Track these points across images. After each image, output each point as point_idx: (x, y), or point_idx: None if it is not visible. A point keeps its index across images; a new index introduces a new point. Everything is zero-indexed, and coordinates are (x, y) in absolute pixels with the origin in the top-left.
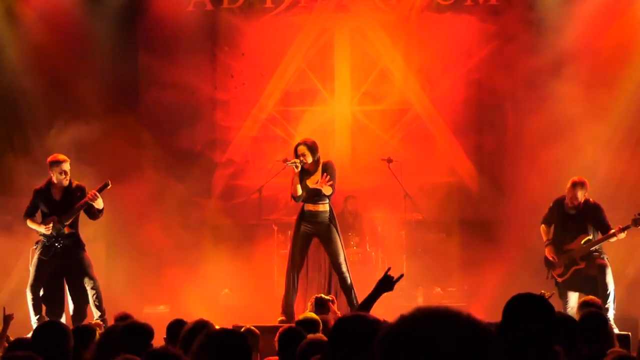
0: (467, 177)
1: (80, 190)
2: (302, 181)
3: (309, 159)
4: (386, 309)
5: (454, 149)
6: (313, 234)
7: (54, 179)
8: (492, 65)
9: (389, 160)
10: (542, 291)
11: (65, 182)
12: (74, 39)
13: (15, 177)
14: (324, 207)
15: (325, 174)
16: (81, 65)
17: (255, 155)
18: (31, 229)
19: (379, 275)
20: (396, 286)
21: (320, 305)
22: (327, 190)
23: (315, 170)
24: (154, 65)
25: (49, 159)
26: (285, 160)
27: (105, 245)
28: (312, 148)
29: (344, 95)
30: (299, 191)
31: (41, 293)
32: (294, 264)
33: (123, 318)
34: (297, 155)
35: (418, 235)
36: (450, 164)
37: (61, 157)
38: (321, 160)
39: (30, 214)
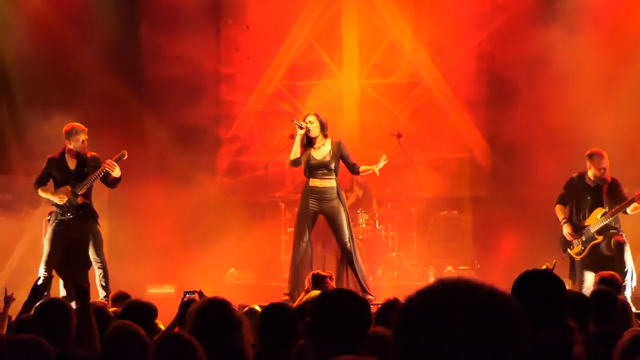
0: (479, 152)
1: (95, 161)
2: (304, 154)
3: (315, 131)
4: (396, 288)
5: (465, 123)
6: (319, 211)
7: (72, 148)
8: (504, 37)
9: (399, 135)
10: (545, 264)
11: (85, 151)
12: (73, 13)
13: (14, 155)
14: (330, 182)
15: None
16: (81, 39)
17: (261, 131)
18: (40, 199)
19: (389, 253)
20: (407, 264)
21: (317, 282)
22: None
23: (322, 146)
24: (157, 39)
25: (65, 128)
26: (299, 126)
27: (107, 222)
28: (322, 121)
29: (352, 68)
30: (297, 154)
31: (53, 271)
32: (299, 242)
33: (120, 297)
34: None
35: (429, 212)
36: (462, 138)
37: (78, 125)
38: (331, 139)
39: (42, 183)
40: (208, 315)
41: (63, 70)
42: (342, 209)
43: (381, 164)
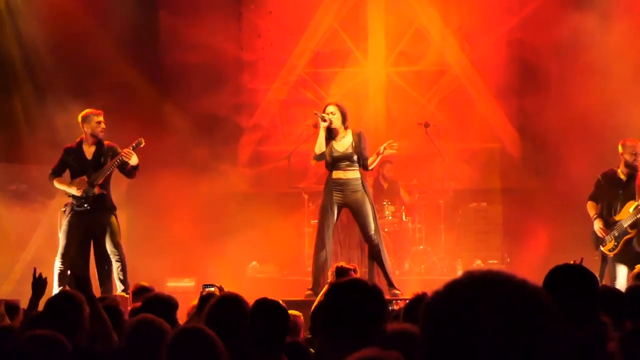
0: (509, 142)
1: (112, 150)
2: (327, 146)
3: (337, 122)
4: (423, 283)
5: (495, 112)
6: (342, 204)
7: (89, 132)
8: (535, 23)
9: (426, 125)
10: (572, 260)
11: (101, 135)
12: None
13: (29, 144)
14: (353, 173)
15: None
16: (97, 26)
17: (283, 120)
18: (56, 189)
19: (416, 246)
20: (434, 258)
21: (341, 275)
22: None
23: (344, 137)
24: (176, 25)
25: (82, 113)
26: (323, 118)
27: (125, 215)
28: (342, 111)
29: (378, 55)
30: (323, 147)
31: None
32: (323, 235)
33: (141, 291)
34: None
35: (457, 204)
36: (491, 128)
37: (95, 110)
38: (352, 130)
39: (57, 173)
40: (221, 311)
41: (78, 58)
42: (367, 200)
43: (382, 148)
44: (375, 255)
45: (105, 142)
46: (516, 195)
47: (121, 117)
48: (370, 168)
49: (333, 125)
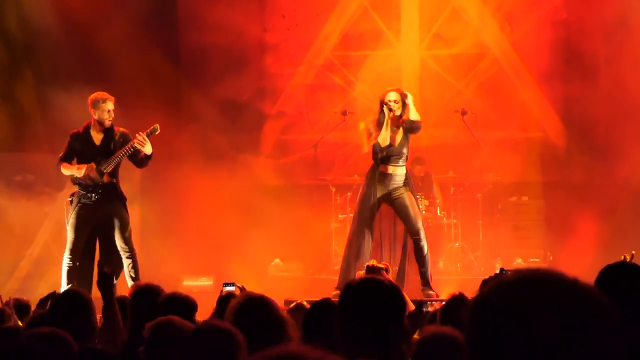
0: (552, 131)
1: (124, 137)
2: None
3: (398, 112)
4: (459, 283)
5: (537, 99)
6: (384, 200)
7: (97, 118)
8: (581, 2)
9: (463, 112)
10: (624, 255)
11: (109, 123)
12: None
13: (38, 132)
14: (402, 169)
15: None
16: (111, 7)
17: (309, 106)
18: (65, 176)
19: (451, 243)
20: (471, 256)
21: (372, 274)
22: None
23: (398, 128)
24: (194, 4)
25: (92, 96)
26: (390, 108)
27: (138, 207)
28: (404, 100)
29: (411, 37)
30: (387, 140)
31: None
32: (359, 231)
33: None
34: (383, 102)
35: (496, 198)
36: (533, 116)
37: (105, 94)
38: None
39: (66, 160)
40: (248, 314)
41: (91, 42)
42: (412, 195)
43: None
44: (418, 252)
45: (116, 128)
46: (560, 189)
47: (136, 103)
48: (419, 123)
49: (393, 115)
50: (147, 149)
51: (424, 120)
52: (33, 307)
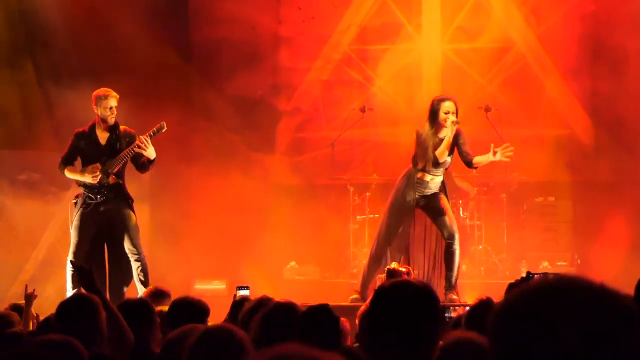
0: (580, 128)
1: (129, 136)
2: (431, 145)
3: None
4: (483, 287)
5: (564, 95)
6: (418, 205)
7: (99, 115)
8: None
9: (487, 109)
10: None
11: (111, 120)
12: None
13: (44, 129)
14: (440, 177)
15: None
16: (121, 0)
17: (326, 103)
18: (70, 179)
19: (474, 246)
20: (495, 259)
21: (393, 278)
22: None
23: (445, 136)
24: None
25: (95, 93)
26: (455, 123)
27: (148, 208)
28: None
29: (432, 31)
30: (445, 157)
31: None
32: (387, 235)
33: (156, 295)
34: (437, 114)
35: (521, 198)
36: (560, 113)
37: (108, 90)
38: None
39: (68, 162)
40: (275, 321)
41: (99, 37)
42: (446, 199)
43: (498, 153)
44: (449, 256)
45: (122, 127)
46: (588, 188)
47: (145, 100)
48: (476, 167)
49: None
50: (150, 152)
51: None
52: (36, 312)
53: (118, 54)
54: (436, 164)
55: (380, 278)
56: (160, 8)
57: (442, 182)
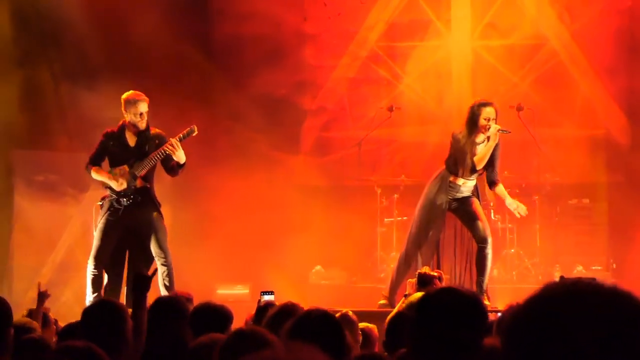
0: (615, 128)
1: (159, 138)
2: (469, 151)
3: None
4: (515, 292)
5: (599, 93)
6: (449, 208)
7: (129, 121)
8: None
9: (519, 108)
10: None
11: (142, 125)
12: None
13: (60, 129)
14: (473, 181)
15: None
16: None
17: (353, 101)
18: (89, 181)
19: (506, 249)
20: (528, 263)
21: (424, 283)
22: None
23: (483, 141)
24: None
25: (124, 96)
26: (500, 131)
27: (169, 210)
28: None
29: (462, 27)
30: (482, 164)
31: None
32: (417, 238)
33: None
34: (478, 119)
35: (554, 200)
36: (595, 112)
37: (138, 94)
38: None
39: (95, 162)
40: (308, 328)
41: (118, 33)
42: (478, 201)
43: (514, 206)
44: (481, 260)
45: (152, 129)
46: (624, 190)
47: (165, 99)
48: (492, 190)
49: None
50: (180, 156)
51: None
52: (54, 317)
53: (138, 50)
54: (473, 170)
55: (410, 283)
56: (181, 3)
57: (475, 185)
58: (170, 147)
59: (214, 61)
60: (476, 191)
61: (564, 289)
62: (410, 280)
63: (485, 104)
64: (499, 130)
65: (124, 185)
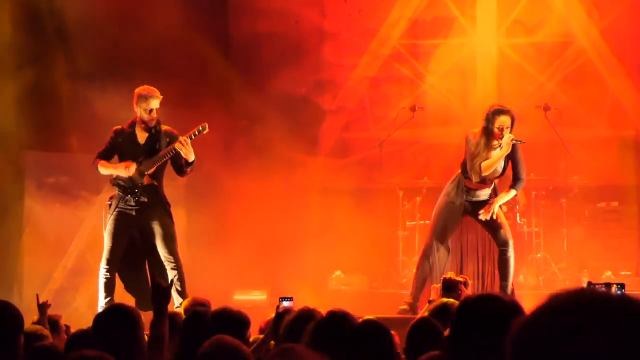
0: None
1: (170, 137)
2: (480, 156)
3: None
4: (541, 298)
5: (629, 93)
6: (467, 211)
7: (139, 116)
8: None
9: (546, 108)
10: None
11: (152, 123)
12: None
13: (72, 129)
14: (487, 189)
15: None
16: None
17: (374, 101)
18: (103, 178)
19: (532, 254)
20: (555, 268)
21: (449, 288)
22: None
23: (498, 146)
24: None
25: (137, 90)
26: (513, 141)
27: (184, 213)
28: (514, 121)
29: (488, 24)
30: (490, 171)
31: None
32: (433, 243)
33: (195, 307)
34: (492, 127)
35: (582, 203)
36: (625, 112)
37: (151, 90)
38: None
39: (104, 157)
40: (327, 331)
41: (132, 31)
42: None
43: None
44: (503, 264)
45: (163, 127)
46: None
47: (180, 98)
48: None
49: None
50: (188, 154)
51: None
52: (66, 324)
53: (152, 48)
54: (480, 175)
55: (435, 288)
56: (198, 0)
57: (494, 189)
58: (181, 145)
59: (231, 59)
60: (495, 195)
61: (570, 298)
62: (434, 285)
63: (499, 112)
64: (512, 140)
65: (133, 170)
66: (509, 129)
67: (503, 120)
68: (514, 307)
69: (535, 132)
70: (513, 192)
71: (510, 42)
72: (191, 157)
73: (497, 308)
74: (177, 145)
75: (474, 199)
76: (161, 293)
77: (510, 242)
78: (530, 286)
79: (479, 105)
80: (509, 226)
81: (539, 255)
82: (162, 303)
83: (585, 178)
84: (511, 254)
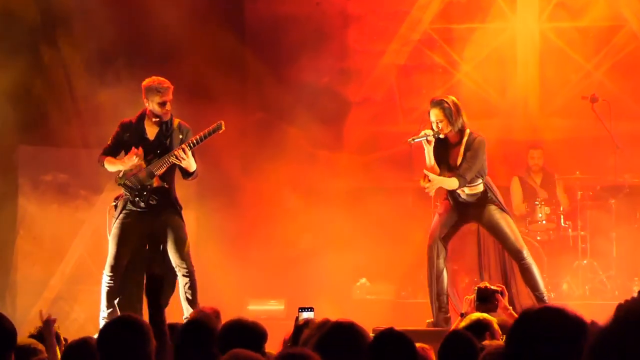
0: None
1: (184, 133)
2: (438, 156)
3: (447, 128)
4: (588, 309)
5: None
6: (465, 215)
7: (150, 110)
8: None
9: (593, 99)
10: None
11: (166, 116)
12: None
13: (73, 124)
14: (474, 189)
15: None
16: None
17: (403, 92)
18: (105, 176)
19: (578, 260)
20: (602, 276)
21: (484, 299)
22: (452, 183)
23: (458, 144)
24: None
25: (145, 82)
26: (427, 137)
27: (194, 214)
28: (451, 112)
29: (529, 7)
30: (437, 169)
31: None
32: (429, 248)
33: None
34: (431, 122)
35: (634, 204)
36: None
37: (161, 81)
38: (467, 130)
39: (110, 153)
40: (333, 343)
41: (141, 18)
42: (497, 210)
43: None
44: (527, 274)
45: (176, 120)
46: None
47: (193, 89)
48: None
49: (447, 136)
50: (189, 164)
51: (545, 107)
52: (64, 336)
53: (162, 35)
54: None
55: (467, 300)
56: None
57: (485, 192)
58: (177, 155)
59: (247, 46)
60: (492, 197)
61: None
62: (467, 297)
63: (431, 104)
64: (426, 135)
65: (139, 160)
66: (441, 121)
67: (435, 113)
68: (580, 321)
69: (580, 125)
70: (454, 181)
71: (553, 26)
72: (192, 168)
73: (564, 322)
74: (172, 159)
75: (460, 199)
76: (155, 284)
77: (524, 251)
78: (576, 296)
79: (519, 96)
80: (553, 230)
81: (585, 262)
82: (154, 295)
83: (636, 176)
84: (530, 260)
